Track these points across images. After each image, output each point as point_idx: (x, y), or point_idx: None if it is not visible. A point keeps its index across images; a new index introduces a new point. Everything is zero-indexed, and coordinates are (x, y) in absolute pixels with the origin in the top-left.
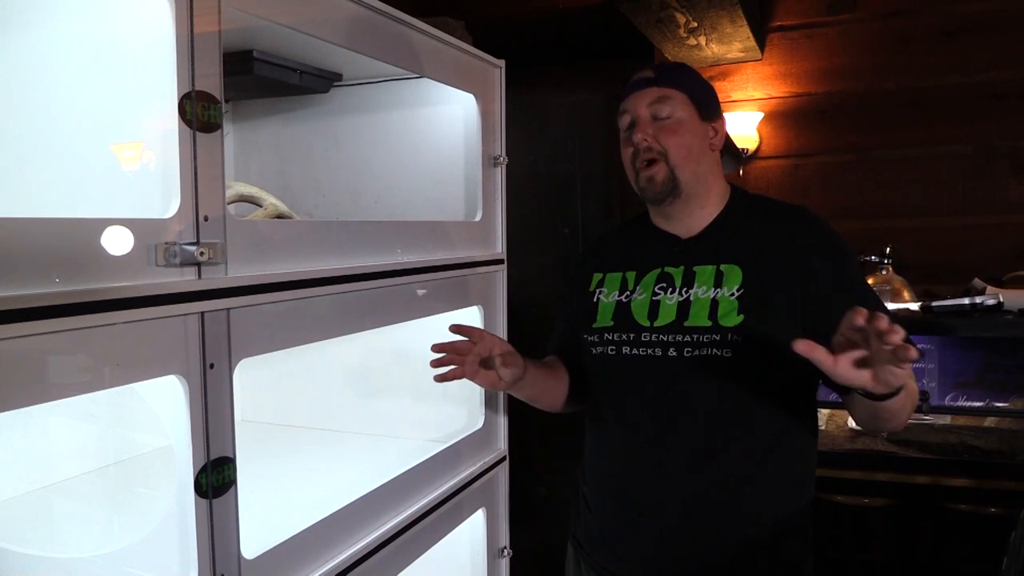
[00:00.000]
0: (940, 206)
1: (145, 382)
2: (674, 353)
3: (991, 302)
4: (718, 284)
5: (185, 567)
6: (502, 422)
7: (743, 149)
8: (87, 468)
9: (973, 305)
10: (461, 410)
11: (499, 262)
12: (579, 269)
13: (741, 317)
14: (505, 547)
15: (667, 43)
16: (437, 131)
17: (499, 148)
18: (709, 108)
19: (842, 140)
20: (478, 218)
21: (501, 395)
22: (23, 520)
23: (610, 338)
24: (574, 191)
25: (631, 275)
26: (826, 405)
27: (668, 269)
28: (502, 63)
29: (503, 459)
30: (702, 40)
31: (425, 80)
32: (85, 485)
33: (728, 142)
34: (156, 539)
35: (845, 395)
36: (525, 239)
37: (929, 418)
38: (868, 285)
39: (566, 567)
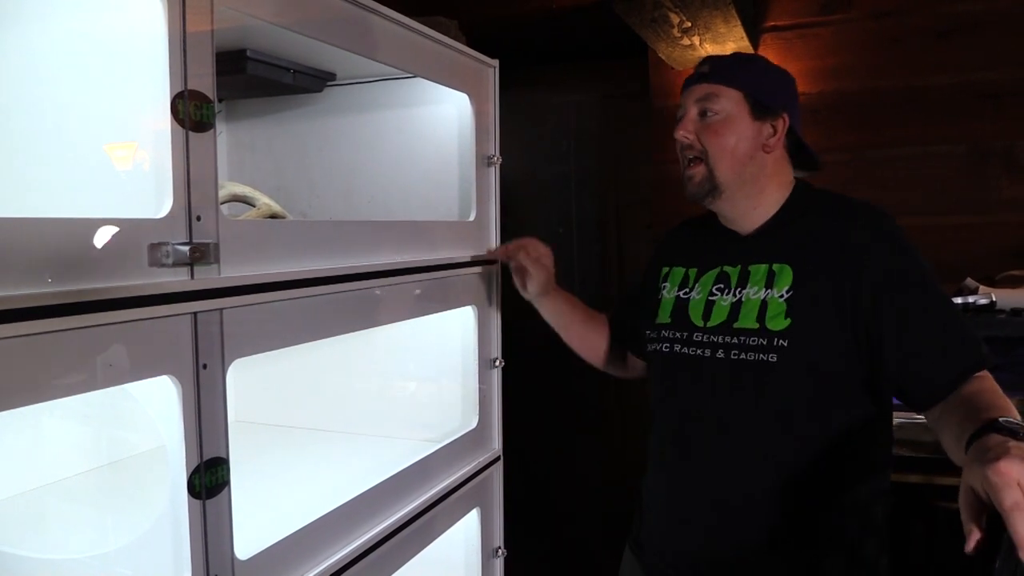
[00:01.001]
0: (933, 205)
1: (138, 383)
2: (722, 355)
3: (984, 301)
4: (769, 284)
5: (179, 568)
6: (496, 422)
7: None
8: (80, 469)
9: (966, 304)
10: (456, 410)
11: (493, 262)
12: (652, 260)
13: (788, 321)
14: (499, 547)
15: (661, 43)
16: (431, 131)
17: (493, 148)
18: (767, 106)
19: (835, 140)
20: (472, 218)
21: (496, 395)
22: (16, 521)
23: (666, 335)
24: (568, 191)
25: (692, 272)
26: None
27: (726, 268)
28: (496, 63)
29: (497, 459)
30: (696, 40)
31: (419, 80)
32: (78, 486)
33: (799, 144)
34: (149, 540)
35: (924, 411)
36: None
37: (922, 417)
38: (932, 284)
39: (620, 572)
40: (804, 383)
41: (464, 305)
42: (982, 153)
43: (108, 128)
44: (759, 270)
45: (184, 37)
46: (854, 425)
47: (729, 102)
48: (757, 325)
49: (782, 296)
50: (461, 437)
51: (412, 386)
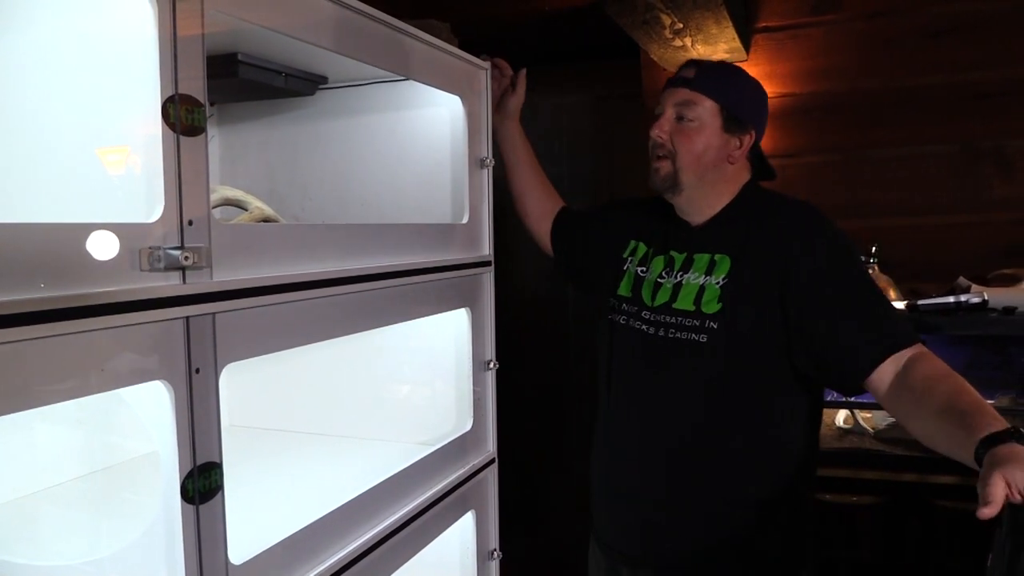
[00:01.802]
0: (925, 205)
1: (131, 387)
2: (662, 333)
3: (976, 300)
4: (709, 272)
5: (172, 573)
6: (491, 424)
7: None
8: (73, 474)
9: (958, 303)
10: (450, 412)
11: (486, 264)
12: (619, 222)
13: (720, 305)
14: (495, 549)
15: (653, 44)
16: (423, 133)
17: (486, 150)
18: (740, 120)
19: (827, 140)
20: (465, 220)
21: (490, 397)
22: (8, 527)
23: (625, 308)
24: (562, 192)
25: (651, 251)
26: None
27: (673, 254)
28: (488, 65)
29: (492, 461)
30: (687, 41)
31: (411, 82)
32: (71, 492)
33: (760, 160)
34: (143, 545)
35: (857, 387)
36: (512, 241)
37: None
38: (864, 283)
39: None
40: (730, 364)
41: (458, 307)
42: (973, 153)
43: (99, 132)
44: (702, 259)
45: (174, 41)
46: (780, 409)
47: (705, 112)
48: (693, 307)
49: (718, 283)
50: (456, 440)
51: (406, 389)
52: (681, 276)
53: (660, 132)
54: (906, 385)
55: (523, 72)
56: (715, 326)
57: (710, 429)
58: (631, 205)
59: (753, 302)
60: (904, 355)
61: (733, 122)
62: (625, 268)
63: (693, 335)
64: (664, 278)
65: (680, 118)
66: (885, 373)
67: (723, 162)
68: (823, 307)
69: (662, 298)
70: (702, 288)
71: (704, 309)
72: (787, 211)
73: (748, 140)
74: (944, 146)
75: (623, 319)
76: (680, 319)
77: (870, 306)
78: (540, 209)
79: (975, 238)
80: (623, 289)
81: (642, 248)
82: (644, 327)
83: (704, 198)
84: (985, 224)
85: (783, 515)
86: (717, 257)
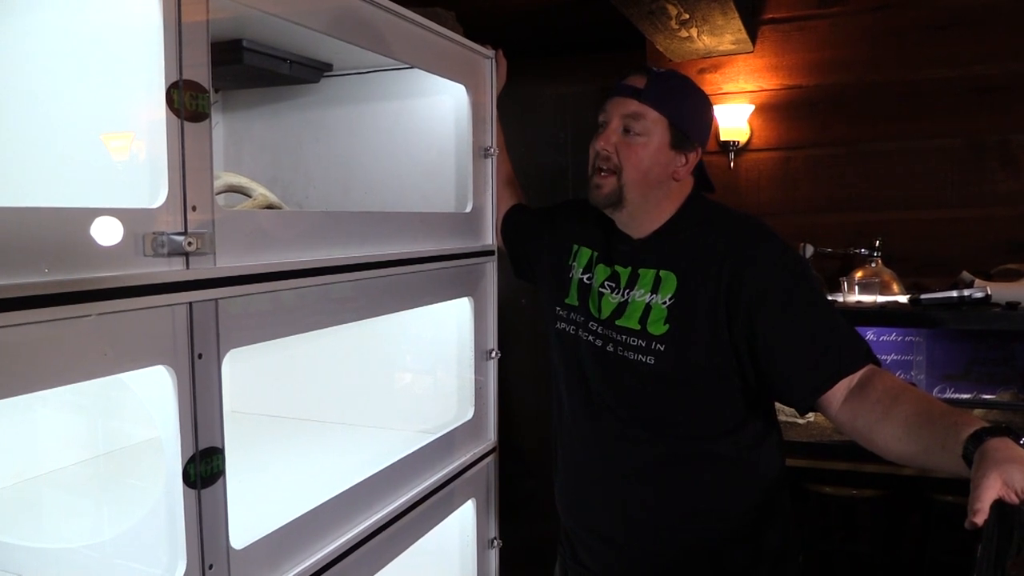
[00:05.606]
0: (929, 199)
1: (133, 372)
2: (611, 348)
3: (979, 295)
4: (655, 290)
5: (174, 557)
6: (492, 413)
7: (734, 142)
8: (75, 459)
9: (961, 298)
10: (451, 401)
11: (489, 253)
12: (564, 227)
13: (667, 327)
14: (495, 538)
15: (659, 35)
16: (428, 122)
17: (490, 139)
18: (687, 136)
19: (832, 133)
20: (468, 209)
21: (492, 386)
22: (11, 511)
23: (574, 317)
24: (565, 183)
25: (594, 256)
26: None
27: (618, 268)
28: (492, 54)
29: (493, 450)
30: (694, 32)
31: (416, 71)
32: (74, 476)
33: (702, 172)
34: (145, 529)
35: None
36: None
37: None
38: (813, 303)
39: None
40: (679, 385)
41: (460, 296)
42: (978, 147)
43: (103, 118)
44: (647, 275)
45: (179, 27)
46: (733, 428)
47: (655, 126)
48: (639, 327)
49: (665, 303)
50: (457, 428)
51: (408, 377)
52: (628, 293)
53: (606, 145)
54: (866, 401)
55: (499, 53)
56: (662, 348)
57: (665, 449)
58: (576, 209)
59: (701, 323)
60: (855, 377)
61: (680, 138)
62: (571, 276)
63: (640, 355)
64: (605, 291)
65: (627, 131)
66: (836, 393)
67: (668, 179)
68: (771, 329)
69: (606, 311)
70: (648, 307)
71: (651, 329)
72: (733, 227)
73: (694, 158)
74: (949, 140)
75: (572, 329)
76: (626, 337)
77: (819, 328)
78: (499, 200)
79: (979, 233)
80: (571, 297)
81: (585, 252)
82: (592, 339)
83: (647, 214)
84: (989, 219)
85: (749, 530)
86: (663, 273)
